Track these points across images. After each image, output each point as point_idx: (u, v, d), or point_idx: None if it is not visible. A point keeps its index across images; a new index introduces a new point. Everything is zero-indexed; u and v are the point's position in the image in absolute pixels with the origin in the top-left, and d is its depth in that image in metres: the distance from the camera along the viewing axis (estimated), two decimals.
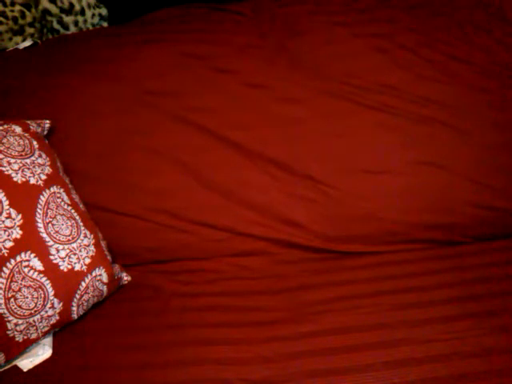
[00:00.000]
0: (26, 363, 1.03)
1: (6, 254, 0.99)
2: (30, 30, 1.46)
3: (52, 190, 1.10)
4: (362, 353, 0.99)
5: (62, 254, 1.06)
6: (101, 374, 0.99)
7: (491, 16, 1.34)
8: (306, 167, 1.26)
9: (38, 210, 1.05)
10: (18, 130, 1.15)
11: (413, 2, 1.36)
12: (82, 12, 1.50)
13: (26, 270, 1.01)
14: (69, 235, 1.08)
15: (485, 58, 1.30)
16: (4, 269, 0.99)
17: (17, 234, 1.02)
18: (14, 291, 1.00)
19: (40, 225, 1.05)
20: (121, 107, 1.28)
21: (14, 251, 1.00)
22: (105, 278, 1.12)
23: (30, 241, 1.03)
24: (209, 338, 1.05)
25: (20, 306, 1.00)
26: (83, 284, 1.08)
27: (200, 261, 1.26)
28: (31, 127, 1.17)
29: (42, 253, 1.03)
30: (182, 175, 1.26)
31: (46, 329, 1.05)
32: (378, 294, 1.12)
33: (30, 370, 1.02)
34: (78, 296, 1.07)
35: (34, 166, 1.09)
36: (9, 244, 1.00)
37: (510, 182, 1.24)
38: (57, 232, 1.07)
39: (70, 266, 1.06)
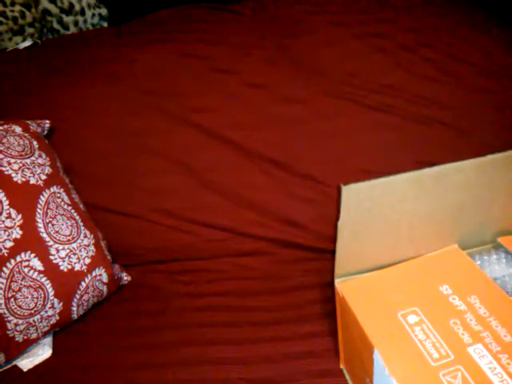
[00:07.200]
0: (26, 363, 1.03)
1: (6, 254, 0.99)
2: (29, 30, 1.46)
3: (52, 190, 1.10)
4: None
5: (62, 254, 1.06)
6: (101, 374, 0.99)
7: (491, 16, 1.34)
8: (306, 167, 1.26)
9: (38, 210, 1.05)
10: (18, 130, 1.15)
11: (413, 2, 1.37)
12: (82, 12, 1.51)
13: (26, 270, 1.01)
14: (69, 235, 1.08)
15: (485, 58, 1.30)
16: (4, 269, 0.99)
17: (17, 234, 1.02)
18: (14, 291, 1.00)
19: (40, 225, 1.05)
20: (121, 107, 1.28)
21: (14, 251, 1.00)
22: (105, 278, 1.12)
23: (30, 241, 1.03)
24: (209, 338, 1.04)
25: (20, 306, 1.00)
26: (83, 284, 1.08)
27: (200, 261, 1.26)
28: (31, 127, 1.17)
29: (42, 253, 1.03)
30: (182, 175, 1.26)
31: (46, 329, 1.05)
32: None
33: (29, 370, 1.02)
34: (77, 296, 1.07)
35: (33, 166, 1.09)
36: (9, 244, 1.00)
37: None
38: (57, 232, 1.07)
39: (69, 266, 1.06)
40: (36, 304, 1.02)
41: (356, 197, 0.77)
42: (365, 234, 0.82)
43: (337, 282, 0.86)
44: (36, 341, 1.05)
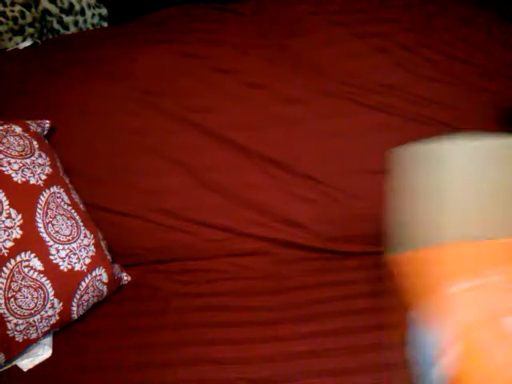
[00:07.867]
0: (26, 363, 1.03)
1: (6, 254, 0.99)
2: (29, 30, 1.46)
3: (52, 189, 1.10)
4: (362, 354, 0.98)
5: (62, 253, 1.06)
6: (101, 374, 0.99)
7: (491, 16, 1.34)
8: (306, 167, 1.26)
9: (38, 210, 1.05)
10: (18, 130, 1.15)
11: (413, 2, 1.36)
12: (82, 12, 1.50)
13: (25, 269, 1.01)
14: (69, 235, 1.08)
15: (485, 58, 1.30)
16: (4, 269, 0.99)
17: (17, 233, 1.02)
18: (14, 291, 1.00)
19: (40, 225, 1.05)
20: (121, 107, 1.28)
21: (14, 251, 1.01)
22: (105, 278, 1.12)
23: (30, 241, 1.03)
24: (209, 338, 1.05)
25: (20, 306, 1.00)
26: (83, 284, 1.08)
27: (200, 261, 1.26)
28: (31, 127, 1.17)
29: (42, 253, 1.03)
30: (182, 175, 1.26)
31: (46, 329, 1.05)
32: (377, 294, 1.12)
33: (29, 370, 1.02)
34: (77, 296, 1.07)
35: (33, 166, 1.09)
36: (9, 244, 1.00)
37: None
38: (57, 232, 1.07)
39: (69, 266, 1.06)
40: (36, 304, 1.02)
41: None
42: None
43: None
44: (36, 341, 1.05)
